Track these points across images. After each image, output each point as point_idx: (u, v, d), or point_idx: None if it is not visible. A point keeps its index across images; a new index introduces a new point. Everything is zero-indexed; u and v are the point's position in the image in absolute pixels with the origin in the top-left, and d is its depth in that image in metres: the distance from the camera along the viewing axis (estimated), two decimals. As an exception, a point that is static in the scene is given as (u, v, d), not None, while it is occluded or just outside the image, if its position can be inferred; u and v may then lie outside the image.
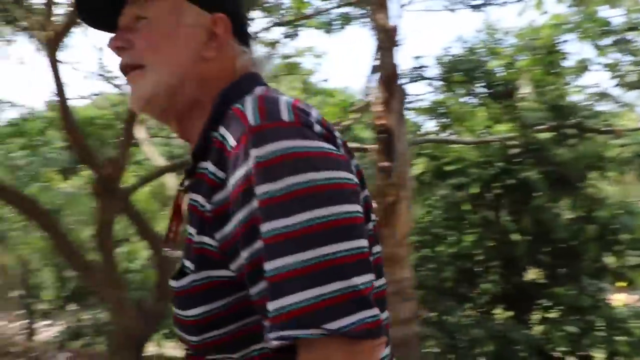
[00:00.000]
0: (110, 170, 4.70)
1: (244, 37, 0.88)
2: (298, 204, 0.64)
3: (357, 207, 0.69)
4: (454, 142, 7.29)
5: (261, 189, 0.65)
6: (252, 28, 7.13)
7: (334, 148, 0.71)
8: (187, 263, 0.75)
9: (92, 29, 0.93)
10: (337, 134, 0.76)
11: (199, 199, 0.74)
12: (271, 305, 0.64)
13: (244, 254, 0.68)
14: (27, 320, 12.02)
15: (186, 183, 0.83)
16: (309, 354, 0.63)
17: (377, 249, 0.80)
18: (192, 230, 0.76)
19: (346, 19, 8.13)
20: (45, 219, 4.86)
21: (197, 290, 0.73)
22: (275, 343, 0.63)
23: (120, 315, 4.93)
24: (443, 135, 8.29)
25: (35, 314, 12.22)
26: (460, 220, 7.98)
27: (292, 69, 9.12)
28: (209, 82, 0.83)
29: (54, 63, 4.42)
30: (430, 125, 9.19)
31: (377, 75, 5.19)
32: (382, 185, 5.21)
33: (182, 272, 0.76)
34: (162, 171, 7.00)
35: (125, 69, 0.85)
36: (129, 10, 0.85)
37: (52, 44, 4.31)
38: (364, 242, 0.67)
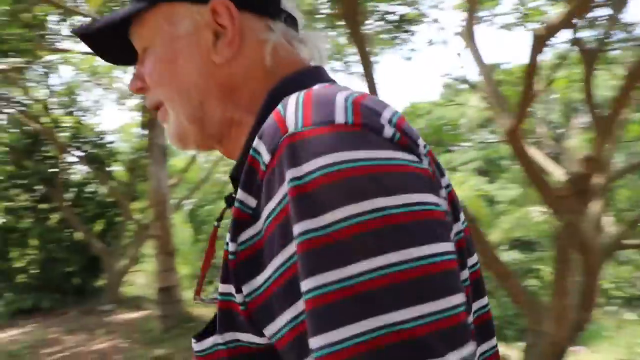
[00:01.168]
0: (588, 166, 4.11)
1: (267, 4, 0.66)
2: (357, 247, 0.44)
3: (448, 247, 0.48)
4: None
5: (300, 227, 0.45)
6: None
7: (414, 159, 0.50)
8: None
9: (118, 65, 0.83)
10: (420, 140, 0.54)
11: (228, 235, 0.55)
12: None
13: (282, 319, 0.49)
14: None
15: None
16: None
17: (472, 260, 0.61)
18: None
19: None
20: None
21: (221, 357, 0.57)
22: None
23: (542, 322, 4.48)
24: None
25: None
26: None
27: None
28: (237, 91, 0.66)
29: (534, 60, 3.96)
30: None
31: None
32: None
33: (207, 330, 0.60)
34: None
35: (153, 109, 0.72)
36: (136, 44, 0.72)
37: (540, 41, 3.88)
38: (460, 299, 0.46)
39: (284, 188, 0.48)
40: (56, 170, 9.65)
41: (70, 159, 10.00)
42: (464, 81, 8.15)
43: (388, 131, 0.50)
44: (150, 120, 8.25)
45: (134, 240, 9.63)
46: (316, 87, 0.57)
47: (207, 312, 8.80)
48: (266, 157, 0.51)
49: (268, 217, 0.50)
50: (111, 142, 10.50)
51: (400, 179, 0.47)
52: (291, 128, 0.49)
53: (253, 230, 0.52)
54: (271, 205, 0.49)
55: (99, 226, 10.02)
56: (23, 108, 8.68)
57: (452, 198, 0.58)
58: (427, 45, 7.01)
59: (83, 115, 10.26)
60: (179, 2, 0.66)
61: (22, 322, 8.55)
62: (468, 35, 5.00)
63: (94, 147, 9.95)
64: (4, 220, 9.51)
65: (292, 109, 0.51)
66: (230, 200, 0.65)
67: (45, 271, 9.40)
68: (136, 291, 10.66)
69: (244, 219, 0.52)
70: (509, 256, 10.71)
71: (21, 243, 9.51)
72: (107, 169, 9.87)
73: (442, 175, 0.58)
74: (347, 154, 0.47)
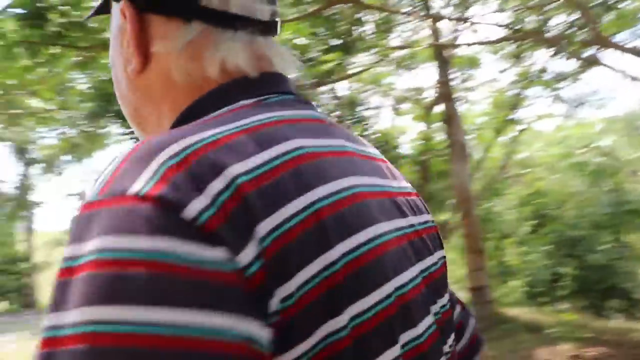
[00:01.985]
0: None
1: (177, 3, 0.56)
2: None
3: None
4: None
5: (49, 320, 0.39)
6: None
7: (214, 257, 0.37)
8: None
9: None
10: (274, 215, 0.41)
11: None
12: None
13: None
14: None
15: None
16: None
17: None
18: None
19: None
20: None
21: None
22: None
23: None
24: None
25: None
26: None
27: None
28: (161, 105, 0.59)
29: None
30: None
31: None
32: None
33: None
34: None
35: None
36: None
37: None
38: None
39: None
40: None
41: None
42: None
43: (195, 207, 0.38)
44: (449, 118, 8.21)
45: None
46: (176, 129, 0.46)
47: (521, 312, 8.37)
48: None
49: None
50: (396, 147, 10.81)
51: (163, 285, 0.36)
52: (87, 195, 0.42)
53: None
54: None
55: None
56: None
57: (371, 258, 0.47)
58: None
59: (366, 124, 10.76)
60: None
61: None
62: None
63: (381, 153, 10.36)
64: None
65: (105, 166, 0.44)
66: None
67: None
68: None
69: None
70: None
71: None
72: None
73: (331, 247, 0.43)
74: (114, 240, 0.37)
